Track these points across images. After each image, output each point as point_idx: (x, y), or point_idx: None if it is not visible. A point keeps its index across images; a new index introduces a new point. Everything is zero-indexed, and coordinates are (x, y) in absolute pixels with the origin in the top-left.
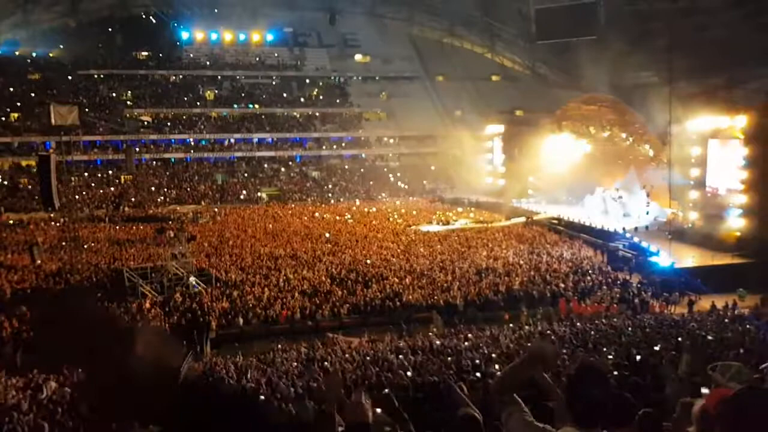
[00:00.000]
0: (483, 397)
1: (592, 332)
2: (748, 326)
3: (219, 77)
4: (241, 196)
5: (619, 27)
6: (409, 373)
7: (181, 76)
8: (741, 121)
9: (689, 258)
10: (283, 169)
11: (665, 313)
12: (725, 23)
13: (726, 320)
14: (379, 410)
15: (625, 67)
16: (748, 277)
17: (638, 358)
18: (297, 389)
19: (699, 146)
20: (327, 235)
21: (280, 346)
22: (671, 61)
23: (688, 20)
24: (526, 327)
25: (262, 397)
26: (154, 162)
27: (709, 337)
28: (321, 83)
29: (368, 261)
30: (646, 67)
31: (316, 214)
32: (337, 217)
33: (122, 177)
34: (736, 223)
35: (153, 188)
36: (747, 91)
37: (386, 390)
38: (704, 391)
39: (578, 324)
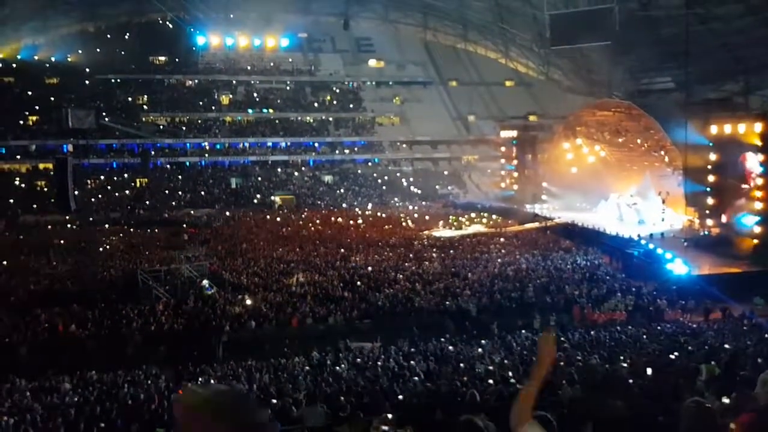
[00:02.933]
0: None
1: (607, 340)
2: (766, 335)
3: (234, 82)
4: (255, 200)
5: (634, 32)
6: (416, 379)
7: (196, 81)
8: (757, 127)
9: (705, 265)
10: (296, 174)
11: (681, 320)
12: (741, 30)
13: (745, 328)
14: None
15: (640, 73)
16: (765, 285)
17: (653, 367)
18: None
19: (715, 153)
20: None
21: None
22: (687, 67)
23: (704, 26)
24: (540, 334)
25: (274, 401)
26: (170, 166)
27: (727, 346)
28: (335, 88)
29: (377, 267)
30: (661, 72)
31: (331, 219)
32: (351, 222)
33: (138, 180)
34: (753, 231)
35: (168, 192)
36: (764, 97)
37: (399, 396)
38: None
39: (592, 332)
